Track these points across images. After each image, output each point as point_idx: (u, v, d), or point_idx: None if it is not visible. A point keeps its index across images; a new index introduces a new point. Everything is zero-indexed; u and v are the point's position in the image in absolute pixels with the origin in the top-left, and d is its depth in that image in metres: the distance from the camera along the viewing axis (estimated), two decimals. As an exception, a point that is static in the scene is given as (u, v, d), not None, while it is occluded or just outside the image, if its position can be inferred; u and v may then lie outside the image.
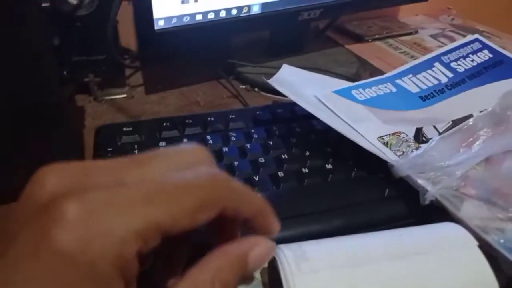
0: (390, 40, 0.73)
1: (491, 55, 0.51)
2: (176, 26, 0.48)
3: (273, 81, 0.43)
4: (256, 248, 0.21)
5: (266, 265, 0.30)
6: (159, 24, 0.46)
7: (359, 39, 0.72)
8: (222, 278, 0.19)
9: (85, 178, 0.17)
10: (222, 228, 0.23)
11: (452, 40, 0.72)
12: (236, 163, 0.38)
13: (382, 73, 0.53)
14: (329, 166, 0.38)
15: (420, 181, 0.33)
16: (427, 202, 0.33)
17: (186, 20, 0.48)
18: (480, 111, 0.37)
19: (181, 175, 0.19)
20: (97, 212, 0.16)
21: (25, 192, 0.17)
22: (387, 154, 0.36)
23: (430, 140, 0.35)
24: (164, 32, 0.47)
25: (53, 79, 0.36)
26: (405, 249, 0.26)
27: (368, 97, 0.44)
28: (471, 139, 0.34)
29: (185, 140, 0.40)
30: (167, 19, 0.47)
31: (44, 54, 0.34)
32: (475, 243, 0.27)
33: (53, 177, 0.17)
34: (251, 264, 0.21)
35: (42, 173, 0.17)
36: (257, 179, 0.36)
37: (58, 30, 0.44)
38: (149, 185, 0.18)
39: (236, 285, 0.20)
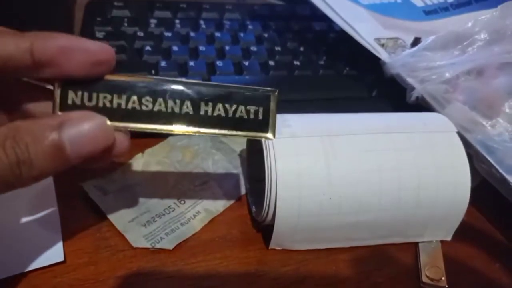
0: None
1: (503, -19, 0.49)
2: None
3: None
4: (78, 121, 0.17)
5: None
6: None
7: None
8: (13, 153, 0.16)
9: None
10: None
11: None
12: (227, 48, 0.37)
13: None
14: (321, 62, 0.38)
15: (409, 79, 0.33)
16: (413, 99, 0.33)
17: None
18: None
19: None
20: None
21: None
22: (381, 53, 0.36)
23: (425, 40, 0.34)
24: None
25: None
26: (384, 126, 0.26)
27: (372, 2, 0.43)
28: (466, 43, 0.34)
29: (177, 21, 0.39)
30: None
31: None
32: (454, 129, 0.27)
33: None
34: (65, 144, 0.17)
35: None
36: (246, 64, 0.36)
37: None
38: None
39: (40, 166, 0.17)
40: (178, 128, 0.20)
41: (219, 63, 0.35)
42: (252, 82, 0.34)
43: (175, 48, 0.36)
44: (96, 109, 0.19)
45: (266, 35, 0.40)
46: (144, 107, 0.20)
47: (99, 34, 0.36)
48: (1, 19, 0.34)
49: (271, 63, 0.36)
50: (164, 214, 0.27)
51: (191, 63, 0.34)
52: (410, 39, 0.40)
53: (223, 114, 0.21)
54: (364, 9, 0.42)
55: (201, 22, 0.40)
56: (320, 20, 0.43)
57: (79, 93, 0.19)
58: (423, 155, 0.25)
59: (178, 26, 0.39)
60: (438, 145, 0.26)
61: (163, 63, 0.34)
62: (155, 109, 0.20)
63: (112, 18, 0.38)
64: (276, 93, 0.21)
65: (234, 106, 0.21)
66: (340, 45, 0.40)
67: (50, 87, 0.19)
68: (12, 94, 0.20)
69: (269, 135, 0.21)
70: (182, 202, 0.28)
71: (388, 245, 0.27)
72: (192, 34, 0.38)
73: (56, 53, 0.17)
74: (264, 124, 0.21)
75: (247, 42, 0.38)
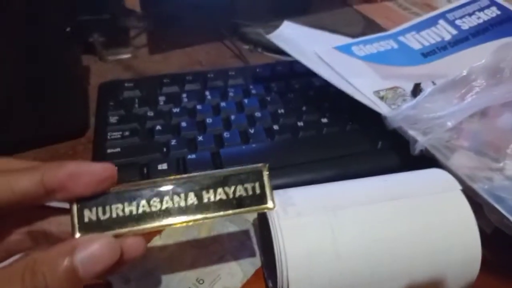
0: (400, 0, 0.71)
1: (499, 12, 0.50)
2: (177, -16, 0.48)
3: (273, 37, 0.43)
4: (87, 245, 0.19)
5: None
6: (160, -18, 0.46)
7: (368, -1, 0.70)
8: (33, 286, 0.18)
9: None
10: None
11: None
12: (232, 117, 0.39)
13: (386, 31, 0.52)
14: (324, 120, 0.39)
15: (411, 132, 0.34)
16: (416, 152, 0.33)
17: (187, -23, 0.48)
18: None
19: None
20: None
21: None
22: (381, 107, 0.37)
23: (423, 92, 0.35)
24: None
25: (58, 35, 0.37)
26: (388, 193, 0.27)
27: (368, 53, 0.44)
28: (464, 91, 0.34)
29: (184, 95, 0.41)
30: (168, -23, 0.47)
31: (46, 9, 0.35)
32: (458, 187, 0.27)
33: None
34: (79, 268, 0.19)
35: None
36: (252, 131, 0.37)
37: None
38: None
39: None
40: (187, 219, 0.22)
41: (226, 134, 0.37)
42: (258, 150, 0.36)
43: (183, 124, 0.38)
44: (110, 220, 0.21)
45: (269, 98, 0.41)
46: (153, 208, 0.22)
47: (113, 119, 0.38)
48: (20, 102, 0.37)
49: (276, 127, 0.38)
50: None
51: (200, 138, 0.36)
52: (410, 86, 0.40)
53: (224, 197, 0.23)
54: (361, 61, 0.43)
55: (207, 93, 0.42)
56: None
57: (94, 209, 0.21)
58: (430, 219, 0.26)
59: (185, 100, 0.41)
60: (444, 207, 0.26)
61: (173, 142, 0.36)
62: (164, 207, 0.22)
63: (123, 100, 0.41)
64: (266, 167, 0.23)
65: (233, 188, 0.23)
66: (341, 99, 0.40)
67: (66, 206, 0.21)
68: (31, 218, 0.22)
69: (270, 205, 0.23)
70: (201, 281, 0.29)
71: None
72: (198, 107, 0.40)
73: (65, 180, 0.19)
74: (263, 197, 0.23)
75: (252, 108, 0.40)
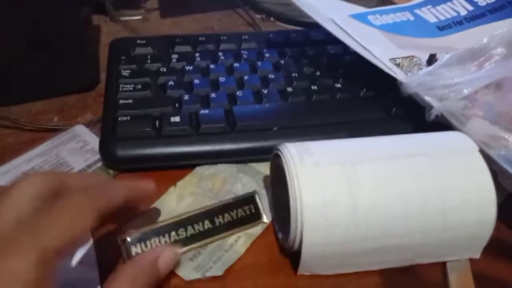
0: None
1: (517, -10, 0.49)
2: None
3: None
4: (164, 254, 0.25)
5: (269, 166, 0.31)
6: None
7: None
8: (138, 284, 0.23)
9: None
10: None
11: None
12: (246, 77, 0.38)
13: (401, 6, 0.52)
14: (338, 85, 0.39)
15: (427, 98, 0.33)
16: (432, 117, 0.33)
17: None
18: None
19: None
20: None
21: None
22: (397, 73, 0.36)
23: (440, 59, 0.35)
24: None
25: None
26: (406, 150, 0.27)
27: (384, 23, 0.44)
28: (482, 59, 0.34)
29: (197, 55, 0.41)
30: None
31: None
32: (476, 148, 0.27)
33: None
34: (162, 268, 0.25)
35: None
36: (265, 92, 0.37)
37: None
38: None
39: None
40: (209, 240, 0.28)
41: (239, 93, 0.36)
42: (271, 110, 0.35)
43: (196, 81, 0.37)
44: None
45: (282, 62, 0.41)
46: (181, 236, 0.28)
47: (125, 73, 0.37)
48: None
49: (289, 89, 0.37)
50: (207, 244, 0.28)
51: (213, 95, 0.36)
52: (425, 57, 0.40)
53: (230, 219, 0.29)
54: (377, 30, 0.42)
55: (220, 54, 0.41)
56: (334, 43, 0.43)
57: (138, 245, 0.26)
58: (447, 177, 0.25)
59: (198, 59, 0.40)
60: (461, 165, 0.26)
61: (186, 97, 0.35)
62: (189, 234, 0.28)
63: (135, 56, 0.40)
64: (256, 192, 0.30)
65: (235, 211, 0.29)
66: (356, 67, 0.40)
67: None
68: None
69: (264, 219, 0.30)
70: (222, 230, 0.29)
71: (416, 265, 0.27)
72: (212, 66, 0.39)
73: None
74: (258, 214, 0.30)
75: (265, 70, 0.40)
